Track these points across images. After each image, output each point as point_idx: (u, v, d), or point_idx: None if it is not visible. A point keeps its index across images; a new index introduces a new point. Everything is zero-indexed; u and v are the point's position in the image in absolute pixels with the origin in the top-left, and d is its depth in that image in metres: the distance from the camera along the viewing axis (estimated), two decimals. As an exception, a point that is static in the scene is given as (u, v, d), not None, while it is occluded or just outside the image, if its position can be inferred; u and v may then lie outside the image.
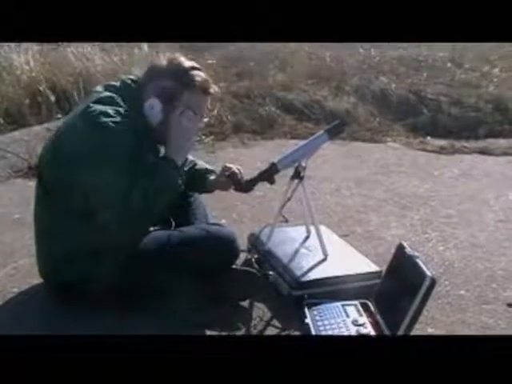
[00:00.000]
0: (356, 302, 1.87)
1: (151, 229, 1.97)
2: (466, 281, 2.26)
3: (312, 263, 2.13)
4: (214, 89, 1.95)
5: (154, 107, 1.87)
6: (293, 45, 5.64)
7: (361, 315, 1.80)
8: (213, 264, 1.92)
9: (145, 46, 4.96)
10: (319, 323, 1.78)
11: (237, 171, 2.14)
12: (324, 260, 2.15)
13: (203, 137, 4.14)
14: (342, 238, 2.41)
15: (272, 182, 2.10)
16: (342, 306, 1.85)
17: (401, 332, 1.57)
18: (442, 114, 4.83)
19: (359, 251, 2.29)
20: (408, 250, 1.76)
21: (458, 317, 2.00)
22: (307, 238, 2.33)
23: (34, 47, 4.80)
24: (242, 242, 2.24)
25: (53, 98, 4.29)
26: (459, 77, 5.53)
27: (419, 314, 1.59)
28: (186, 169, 2.21)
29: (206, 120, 2.02)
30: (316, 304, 1.89)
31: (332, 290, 1.99)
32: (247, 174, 2.17)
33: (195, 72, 1.91)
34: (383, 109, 4.97)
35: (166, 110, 1.88)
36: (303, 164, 2.11)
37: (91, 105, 1.82)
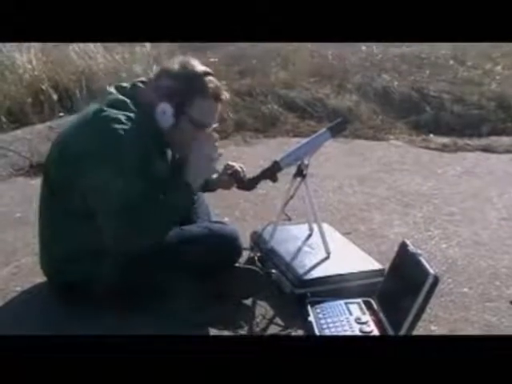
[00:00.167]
0: (359, 300, 1.87)
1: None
2: (469, 278, 2.25)
3: (315, 261, 2.12)
4: (225, 95, 1.94)
5: (165, 112, 1.85)
6: (295, 43, 5.63)
7: (364, 313, 1.80)
8: (215, 262, 1.92)
9: (147, 44, 4.95)
10: (322, 321, 1.78)
11: (239, 169, 2.14)
12: (327, 258, 2.15)
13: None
14: (344, 236, 2.41)
15: (274, 180, 2.10)
16: (345, 304, 1.85)
17: (404, 330, 1.57)
18: (445, 112, 4.81)
19: (362, 249, 2.28)
20: (411, 247, 1.76)
21: (461, 315, 1.99)
22: (310, 235, 2.32)
23: (37, 46, 4.79)
24: (245, 240, 2.24)
25: (55, 97, 4.29)
26: (462, 74, 5.50)
27: (422, 312, 1.59)
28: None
29: (215, 126, 2.01)
30: (319, 302, 1.89)
31: (335, 288, 1.99)
32: (250, 172, 2.17)
33: (207, 78, 1.89)
34: (386, 106, 4.95)
35: (177, 115, 1.86)
36: (306, 162, 2.10)
37: (105, 108, 1.81)
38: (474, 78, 5.45)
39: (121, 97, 1.87)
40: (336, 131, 2.15)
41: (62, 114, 4.18)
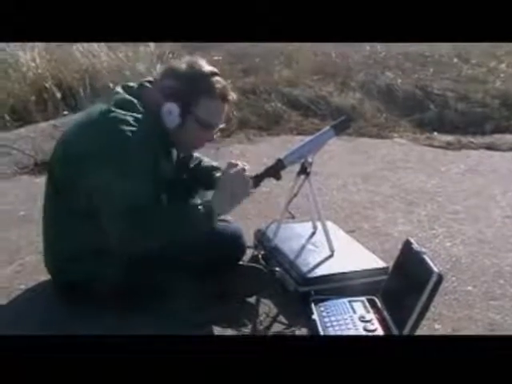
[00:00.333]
0: (363, 298, 1.86)
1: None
2: (473, 277, 2.25)
3: (318, 259, 2.12)
4: (232, 96, 1.94)
5: (171, 112, 1.85)
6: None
7: (368, 311, 1.80)
8: (219, 260, 1.92)
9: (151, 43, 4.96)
10: (326, 319, 1.78)
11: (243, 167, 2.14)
12: (331, 256, 2.15)
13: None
14: (348, 234, 2.40)
15: (278, 178, 2.10)
16: (349, 302, 1.85)
17: (408, 328, 1.57)
18: (449, 110, 4.80)
19: (366, 247, 2.28)
20: (415, 245, 1.76)
21: (465, 313, 1.99)
22: (314, 234, 2.32)
23: (40, 44, 4.80)
24: (249, 238, 2.24)
25: (59, 95, 4.30)
26: (466, 72, 5.49)
27: (426, 310, 1.59)
28: (191, 166, 2.22)
29: (222, 126, 2.00)
30: (323, 300, 1.89)
31: (339, 286, 1.99)
32: (253, 170, 2.16)
33: (214, 78, 1.89)
34: (389, 104, 4.94)
35: (183, 115, 1.86)
36: (309, 160, 2.10)
37: (112, 109, 1.81)
38: (478, 75, 5.44)
39: (128, 97, 1.86)
40: (340, 129, 2.15)
41: (65, 113, 4.18)
